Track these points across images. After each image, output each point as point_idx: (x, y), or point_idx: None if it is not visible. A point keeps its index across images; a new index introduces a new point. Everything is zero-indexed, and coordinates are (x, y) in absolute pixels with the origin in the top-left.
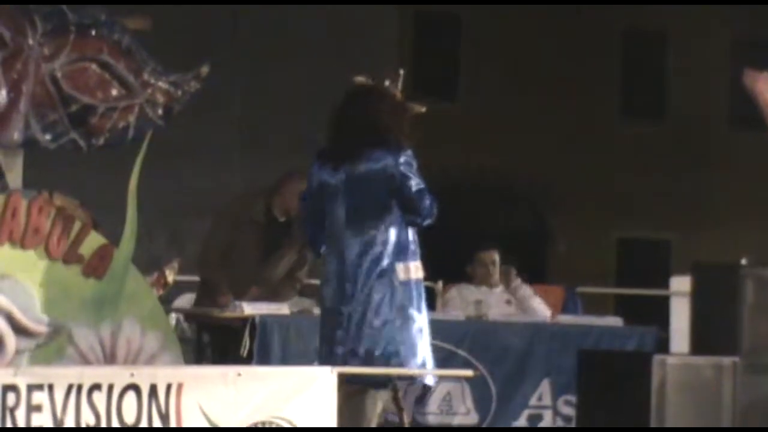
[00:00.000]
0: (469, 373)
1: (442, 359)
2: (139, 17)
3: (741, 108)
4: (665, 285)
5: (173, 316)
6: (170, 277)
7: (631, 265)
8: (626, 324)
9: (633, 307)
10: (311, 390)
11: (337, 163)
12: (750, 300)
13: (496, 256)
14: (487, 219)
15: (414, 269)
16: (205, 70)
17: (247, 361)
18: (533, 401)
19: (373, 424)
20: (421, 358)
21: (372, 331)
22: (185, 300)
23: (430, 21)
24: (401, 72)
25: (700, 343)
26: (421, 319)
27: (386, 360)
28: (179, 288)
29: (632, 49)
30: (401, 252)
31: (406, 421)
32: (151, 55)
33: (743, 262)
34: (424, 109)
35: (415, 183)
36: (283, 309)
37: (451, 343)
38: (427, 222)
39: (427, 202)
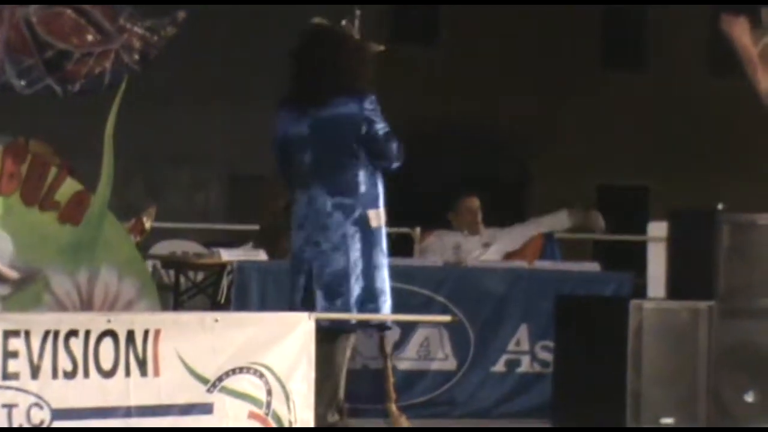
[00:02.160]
0: (447, 318)
1: (421, 305)
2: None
3: (721, 54)
4: (644, 231)
5: (150, 262)
6: (147, 223)
7: (610, 211)
8: (604, 270)
9: (612, 253)
10: (290, 336)
11: (301, 111)
12: (726, 245)
13: (478, 203)
14: (467, 165)
15: (383, 215)
16: (182, 15)
17: (225, 307)
18: (511, 346)
19: (344, 370)
20: (389, 303)
21: (347, 279)
22: (163, 247)
23: None
24: (357, 12)
25: (676, 288)
26: (386, 265)
27: (361, 306)
28: (158, 234)
29: None
30: (372, 199)
31: (389, 366)
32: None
33: (719, 207)
34: (382, 48)
35: (381, 127)
36: (261, 255)
37: (429, 289)
38: (395, 165)
39: (394, 145)
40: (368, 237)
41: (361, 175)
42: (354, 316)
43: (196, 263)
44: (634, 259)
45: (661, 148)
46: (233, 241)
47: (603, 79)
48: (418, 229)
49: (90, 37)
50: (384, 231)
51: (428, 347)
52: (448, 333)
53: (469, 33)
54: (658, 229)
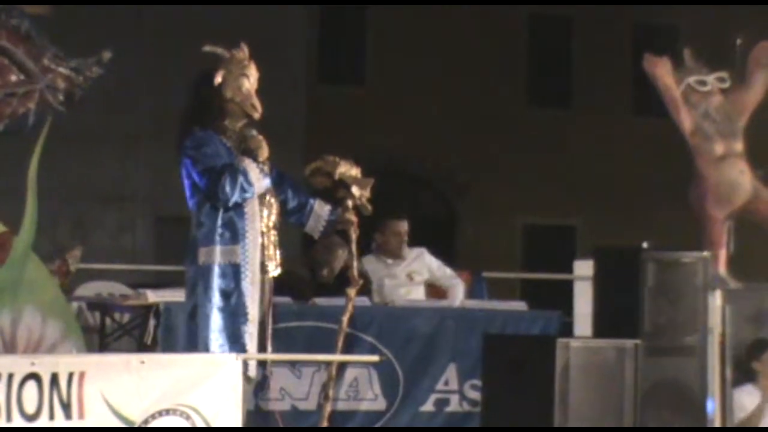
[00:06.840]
0: (375, 358)
1: (348, 345)
2: (38, 3)
3: (643, 93)
4: (570, 270)
5: (75, 304)
6: (73, 265)
7: (536, 250)
8: (531, 308)
9: (539, 291)
10: (216, 377)
11: None
12: (650, 283)
13: (407, 227)
14: (393, 204)
15: (213, 253)
16: (107, 55)
17: (152, 348)
18: (440, 385)
19: None
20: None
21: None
22: (89, 288)
23: (335, 10)
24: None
25: (602, 326)
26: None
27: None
28: (84, 276)
29: (537, 34)
30: (204, 236)
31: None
32: (52, 41)
33: (644, 245)
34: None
35: (201, 166)
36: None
37: (358, 328)
38: (223, 201)
39: (211, 182)
40: (200, 273)
41: (201, 211)
42: (280, 357)
43: (122, 304)
44: (562, 297)
45: (587, 186)
46: (161, 282)
47: (528, 116)
48: None
49: (13, 77)
50: (216, 269)
51: (357, 387)
52: (377, 373)
53: (394, 70)
54: (584, 267)
